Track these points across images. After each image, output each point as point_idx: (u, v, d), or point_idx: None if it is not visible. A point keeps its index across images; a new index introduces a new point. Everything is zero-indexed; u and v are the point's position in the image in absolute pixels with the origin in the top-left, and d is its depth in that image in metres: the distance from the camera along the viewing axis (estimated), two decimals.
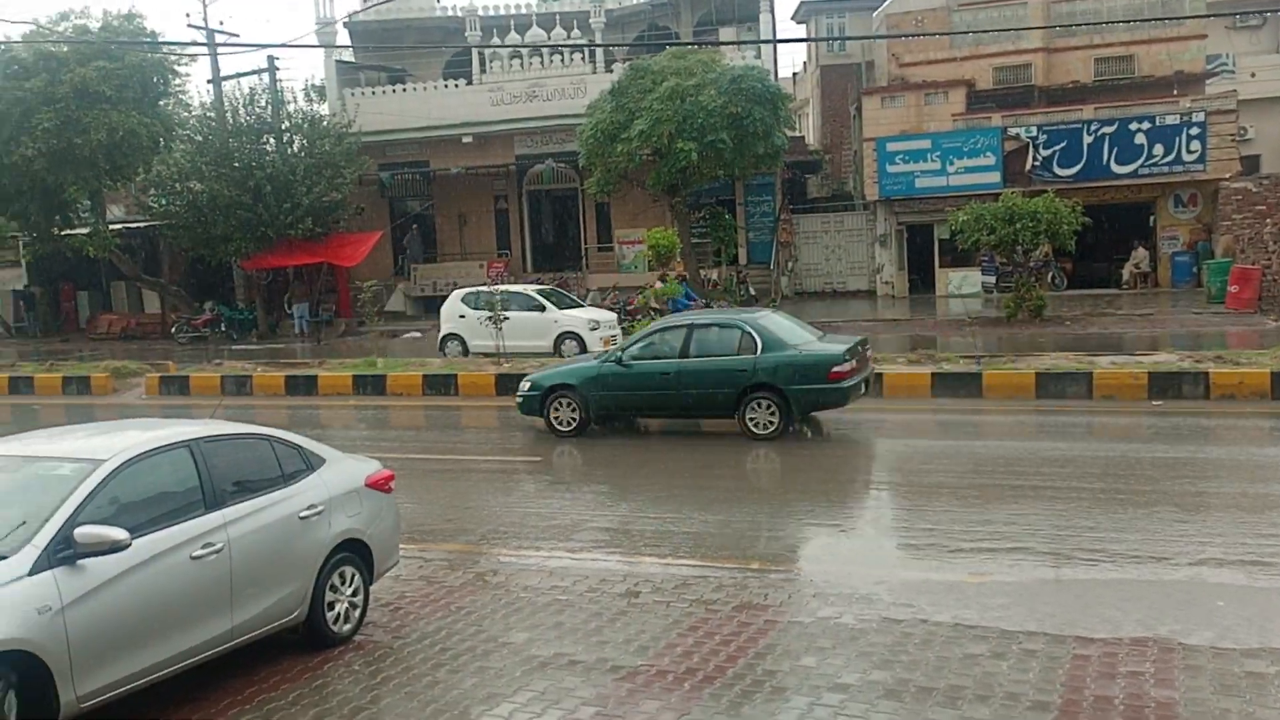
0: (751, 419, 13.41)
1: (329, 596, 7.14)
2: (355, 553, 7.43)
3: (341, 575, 7.28)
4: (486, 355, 20.78)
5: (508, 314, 20.38)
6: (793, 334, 13.92)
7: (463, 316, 22.24)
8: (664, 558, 8.86)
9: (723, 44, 29.31)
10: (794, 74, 49.02)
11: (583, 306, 23.15)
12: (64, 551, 5.49)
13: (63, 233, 30.98)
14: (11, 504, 5.96)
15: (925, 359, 17.63)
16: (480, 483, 12.46)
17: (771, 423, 13.33)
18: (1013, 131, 29.09)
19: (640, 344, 14.40)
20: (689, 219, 29.65)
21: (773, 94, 26.82)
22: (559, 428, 14.40)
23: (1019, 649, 6.47)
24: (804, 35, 41.28)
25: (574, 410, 14.32)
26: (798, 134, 36.98)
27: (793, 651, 6.63)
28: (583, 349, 20.38)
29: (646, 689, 6.17)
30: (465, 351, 21.89)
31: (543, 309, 21.70)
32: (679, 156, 25.40)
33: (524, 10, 34.64)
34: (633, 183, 28.06)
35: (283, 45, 30.83)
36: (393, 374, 19.50)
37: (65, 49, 27.58)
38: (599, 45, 31.56)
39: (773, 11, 32.02)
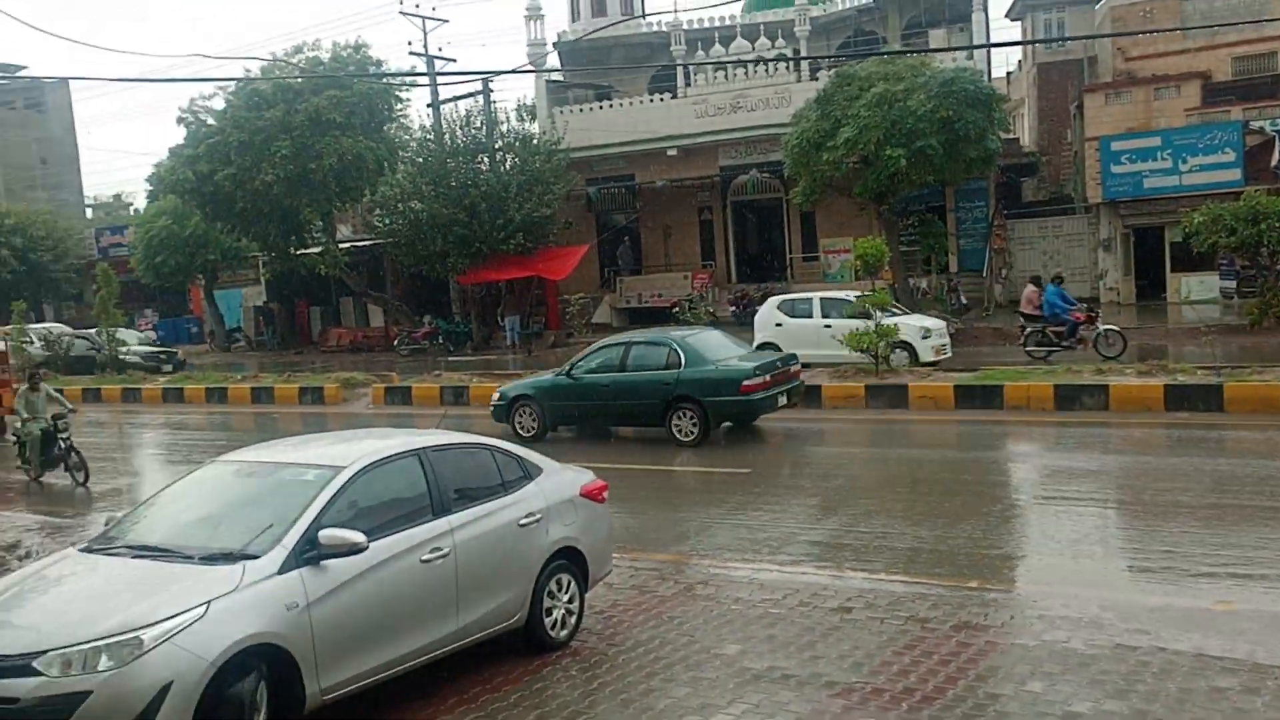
0: (676, 426, 14.84)
1: (547, 603, 7.32)
2: (571, 560, 7.58)
3: (558, 582, 7.45)
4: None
5: (829, 321, 19.83)
6: (717, 351, 15.27)
7: (779, 325, 20.68)
8: (876, 573, 8.66)
9: (930, 50, 28.43)
10: (1008, 73, 47.17)
11: (908, 313, 21.59)
12: (309, 552, 5.85)
13: (298, 252, 33.13)
14: (261, 507, 6.40)
15: (1157, 370, 16.56)
16: (688, 493, 12.53)
17: (693, 431, 14.68)
18: (1255, 125, 27.06)
19: (587, 359, 16.08)
20: (897, 226, 28.99)
21: (986, 96, 25.91)
22: (521, 433, 15.88)
23: (1276, 685, 5.97)
24: (1019, 33, 39.62)
25: (533, 418, 16.08)
26: (1012, 136, 35.56)
27: (1017, 675, 6.34)
28: (914, 359, 19.26)
29: (862, 707, 6.03)
30: None
31: (868, 315, 19.55)
32: (887, 163, 24.87)
33: (728, 22, 34.78)
34: (839, 191, 27.66)
35: (497, 73, 32.01)
36: None
37: (300, 80, 29.52)
38: (803, 58, 31.26)
39: (985, 10, 30.93)
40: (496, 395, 16.84)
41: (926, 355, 19.41)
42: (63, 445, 14.91)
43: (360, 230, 36.78)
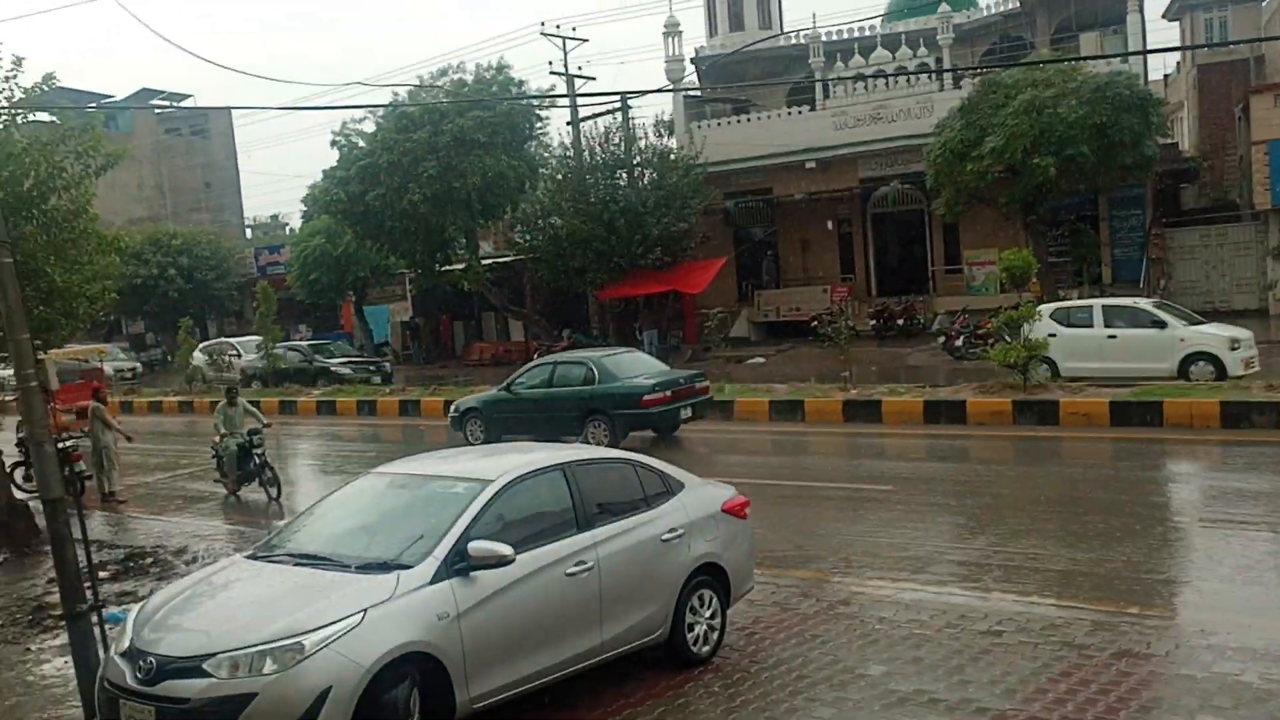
0: (591, 435, 16.79)
1: (689, 618, 7.33)
2: (713, 576, 7.57)
3: (700, 598, 7.45)
4: (1078, 381, 18.20)
5: (1113, 332, 18.69)
6: (629, 370, 17.51)
7: (1053, 335, 18.93)
8: (1027, 595, 8.37)
9: (1082, 59, 27.37)
10: (1165, 75, 45.17)
11: (1208, 322, 19.69)
12: (459, 564, 5.99)
13: (442, 269, 34.06)
14: (412, 518, 6.60)
15: None
16: (830, 509, 12.36)
17: (604, 439, 16.56)
18: None
19: (524, 375, 18.50)
20: (1046, 237, 28.05)
21: (1142, 100, 24.87)
22: (471, 440, 17.82)
23: None
24: (1178, 35, 37.91)
25: (480, 428, 18.09)
26: (1170, 140, 33.99)
27: (1184, 709, 6.03)
28: (1220, 375, 17.39)
29: None
30: (1055, 375, 18.61)
31: (1162, 325, 18.31)
32: (1035, 172, 24.10)
33: (868, 33, 34.30)
34: (983, 201, 26.95)
35: (636, 94, 32.31)
36: (740, 399, 19.81)
37: (446, 102, 30.36)
38: (948, 70, 30.52)
39: (1141, 11, 29.72)
40: (453, 408, 19.00)
41: (1235, 369, 17.39)
42: (257, 460, 15.10)
43: (502, 247, 37.57)
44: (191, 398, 29.84)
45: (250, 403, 17.10)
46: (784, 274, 35.61)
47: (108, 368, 35.37)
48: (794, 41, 35.76)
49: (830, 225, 33.88)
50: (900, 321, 30.70)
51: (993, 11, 35.89)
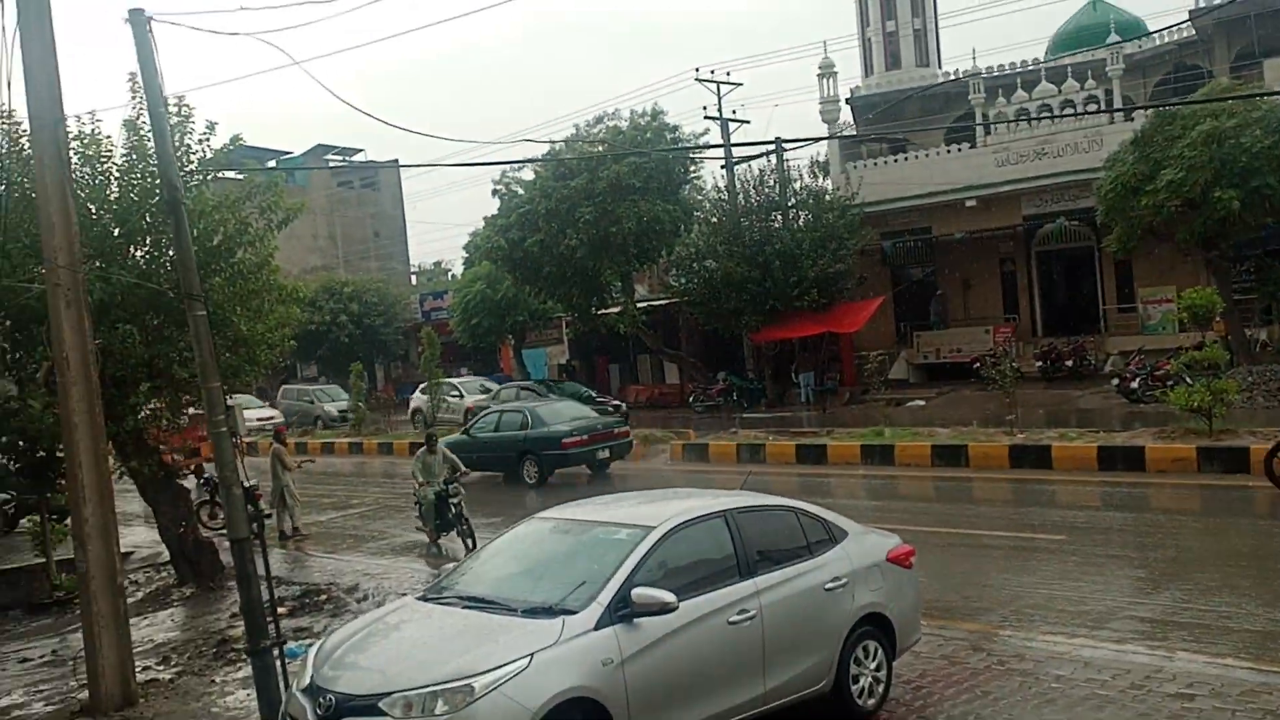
0: (526, 472, 20.36)
1: (853, 669, 7.17)
2: (878, 627, 7.40)
3: (865, 649, 7.27)
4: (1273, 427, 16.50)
5: None
6: (558, 417, 20.98)
7: None
8: (1221, 657, 7.85)
9: (1266, 95, 25.88)
10: None
11: None
12: (622, 610, 6.01)
13: (598, 312, 34.58)
14: (576, 563, 6.66)
15: None
16: (998, 559, 11.90)
17: (535, 475, 20.23)
18: None
19: (480, 421, 22.37)
20: (1230, 273, 26.55)
21: None
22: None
23: None
24: None
25: None
26: None
27: None
28: None
29: None
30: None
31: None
32: (1217, 206, 22.87)
33: (1031, 66, 33.37)
34: (1159, 237, 25.71)
35: (791, 142, 32.24)
36: (901, 443, 19.37)
37: (601, 149, 31.00)
38: (1118, 110, 29.34)
39: None
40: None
41: None
42: (453, 510, 14.67)
43: (657, 290, 37.91)
44: (361, 439, 31.01)
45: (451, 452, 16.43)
46: (932, 315, 34.77)
47: (331, 408, 37.03)
48: (953, 78, 35.10)
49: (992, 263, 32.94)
50: (1069, 363, 29.49)
51: (1166, 40, 34.48)
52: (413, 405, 34.33)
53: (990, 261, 33.72)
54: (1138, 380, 23.50)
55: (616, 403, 31.61)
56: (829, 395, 31.53)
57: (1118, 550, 11.76)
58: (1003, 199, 31.72)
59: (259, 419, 32.69)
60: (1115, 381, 24.78)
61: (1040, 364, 29.82)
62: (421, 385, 34.99)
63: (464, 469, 15.51)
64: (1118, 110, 29.36)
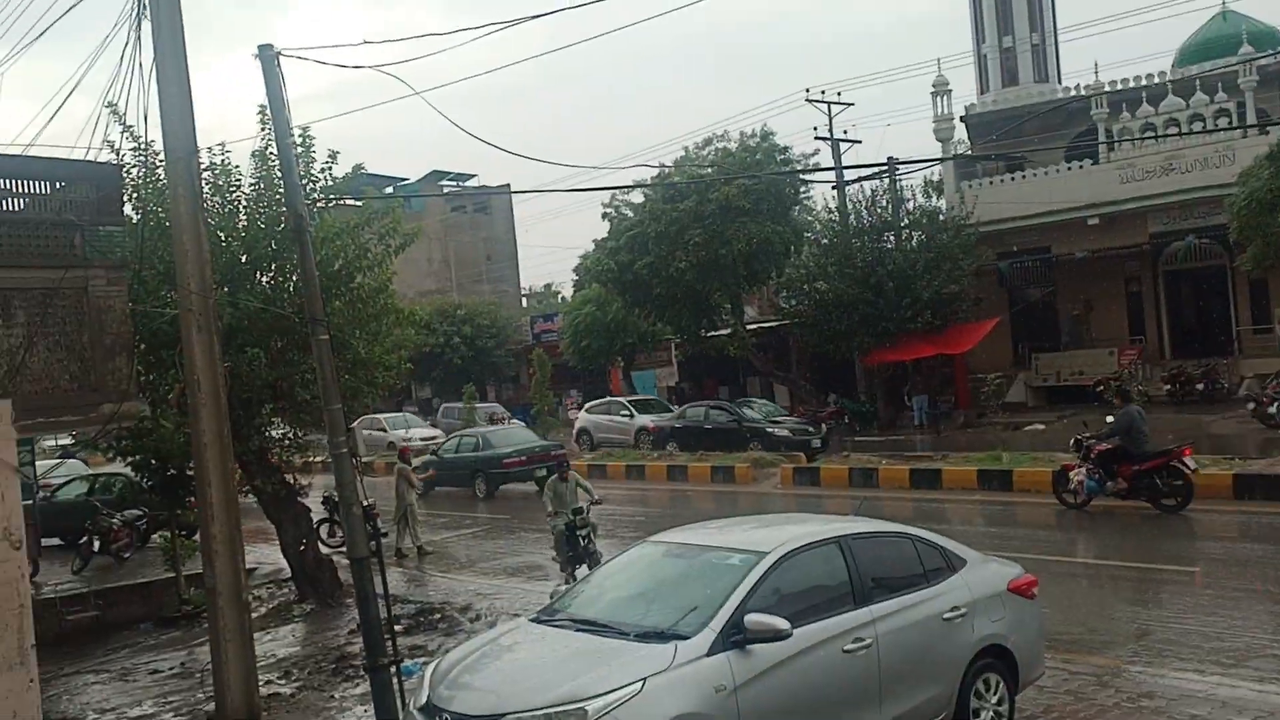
0: (477, 487, 24.12)
1: (973, 703, 6.97)
2: (999, 659, 7.18)
3: (985, 682, 7.07)
4: None
5: None
6: (505, 440, 25.17)
7: None
8: None
9: None
10: None
11: None
12: (735, 636, 5.93)
13: (708, 334, 34.54)
14: (688, 588, 6.61)
15: None
16: (1124, 590, 11.44)
17: (484, 489, 24.04)
18: None
19: (447, 444, 26.62)
20: None
21: None
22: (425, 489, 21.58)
23: None
24: None
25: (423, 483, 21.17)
26: None
27: None
28: None
29: None
30: None
31: None
32: None
33: (1156, 80, 32.24)
34: None
35: (904, 163, 31.67)
36: (1019, 469, 18.81)
37: (710, 171, 31.02)
38: (1252, 125, 28.04)
39: None
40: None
41: None
42: (582, 542, 13.51)
43: (767, 312, 37.70)
44: None
45: (584, 479, 15.37)
46: (1064, 336, 33.73)
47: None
48: (1074, 94, 34.15)
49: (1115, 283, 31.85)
50: (1199, 386, 28.30)
51: None
52: (579, 424, 33.30)
53: (1114, 281, 32.62)
54: (1276, 404, 22.42)
55: (818, 423, 28.89)
56: (943, 419, 30.85)
57: (1257, 584, 11.18)
58: (1127, 217, 30.69)
59: (422, 438, 33.10)
60: (1251, 405, 23.68)
61: (1169, 388, 28.69)
62: (590, 405, 34.35)
63: (596, 497, 14.60)
64: (1252, 126, 28.15)
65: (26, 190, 8.48)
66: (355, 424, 10.47)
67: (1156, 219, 30.65)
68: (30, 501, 16.47)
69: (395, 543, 17.32)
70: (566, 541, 13.61)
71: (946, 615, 6.93)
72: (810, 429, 27.28)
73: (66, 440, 24.37)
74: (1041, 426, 27.37)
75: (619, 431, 31.31)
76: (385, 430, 35.00)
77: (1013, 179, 33.27)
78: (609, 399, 35.28)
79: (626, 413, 31.97)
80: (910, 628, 6.73)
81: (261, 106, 12.44)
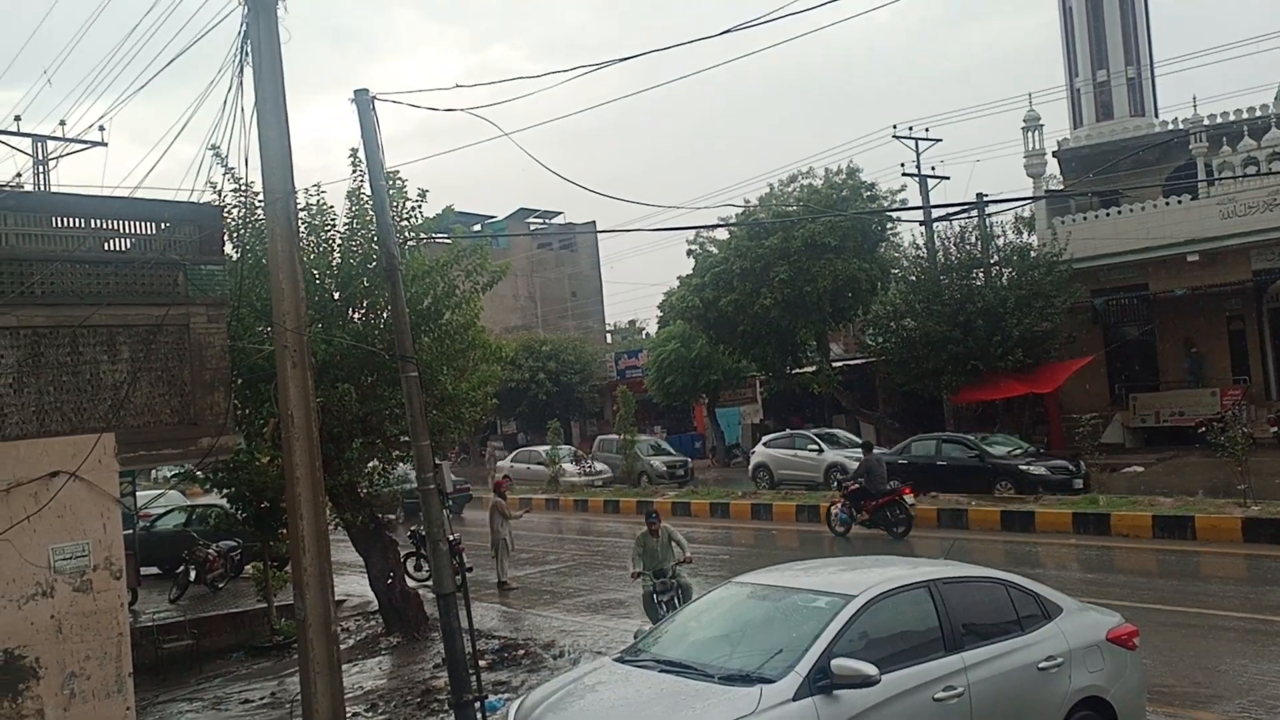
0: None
1: None
2: (1097, 712, 6.94)
3: None
4: None
5: None
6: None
7: None
8: None
9: None
10: None
11: None
12: (821, 681, 5.82)
13: (793, 371, 34.29)
14: (773, 630, 6.52)
15: None
16: (1232, 642, 10.96)
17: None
18: None
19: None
20: None
21: None
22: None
23: None
24: None
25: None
26: None
27: None
28: None
29: None
30: None
31: None
32: None
33: (1258, 114, 31.32)
34: None
35: (991, 202, 31.18)
36: (1117, 512, 18.23)
37: (796, 208, 30.92)
38: None
39: None
40: None
41: None
42: (663, 609, 12.10)
43: (852, 349, 37.32)
44: (558, 496, 31.61)
45: (679, 534, 13.52)
46: (1164, 376, 32.69)
47: (658, 462, 34.66)
48: (1171, 128, 33.33)
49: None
50: None
51: None
52: (756, 459, 30.26)
53: (1215, 319, 31.56)
54: None
55: (1063, 461, 24.21)
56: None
57: None
58: (1229, 253, 29.74)
59: (584, 472, 33.54)
60: None
61: (1275, 429, 27.55)
62: (769, 438, 31.70)
63: (688, 554, 12.94)
64: None
65: (134, 230, 8.79)
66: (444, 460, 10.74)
67: (1260, 255, 29.61)
68: (130, 531, 16.96)
69: (497, 574, 17.76)
70: (651, 605, 12.52)
71: (1042, 664, 6.72)
72: (1071, 468, 23.12)
73: (175, 471, 25.19)
74: (1140, 469, 26.52)
75: (805, 468, 28.13)
76: (545, 464, 34.83)
77: (1108, 214, 32.49)
78: (791, 432, 31.95)
79: (815, 447, 28.48)
80: (1003, 676, 6.54)
81: (353, 149, 12.80)
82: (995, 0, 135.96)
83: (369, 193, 11.66)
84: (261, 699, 12.16)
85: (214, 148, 9.52)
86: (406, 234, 13.49)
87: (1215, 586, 14.22)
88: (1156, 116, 36.40)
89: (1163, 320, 32.45)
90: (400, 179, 13.43)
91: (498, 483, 20.05)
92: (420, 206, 13.76)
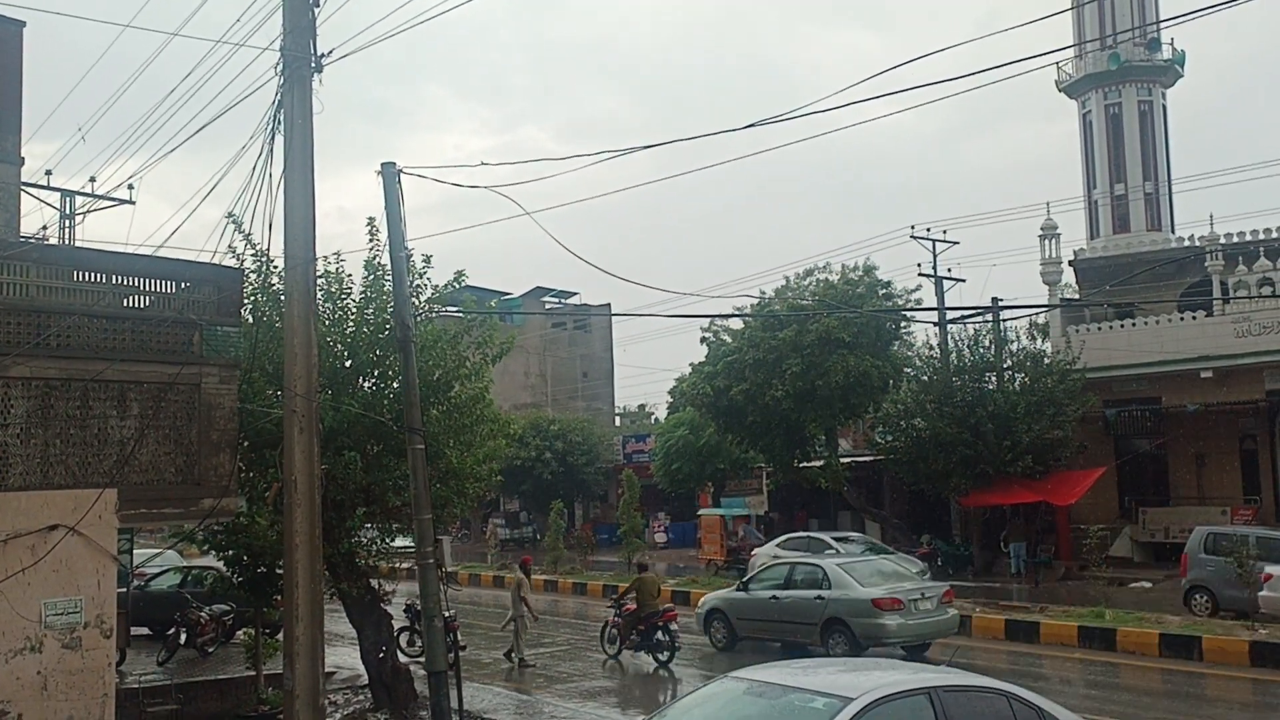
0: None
1: None
2: None
3: None
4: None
5: None
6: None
7: None
8: None
9: None
10: None
11: None
12: None
13: (800, 465, 34.09)
14: None
15: None
16: None
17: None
18: None
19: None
20: None
21: None
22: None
23: None
24: None
25: None
26: None
27: None
28: None
29: None
30: None
31: None
32: None
33: (1275, 235, 31.54)
34: None
35: (1007, 307, 31.19)
36: (1124, 628, 17.91)
37: (811, 302, 31.04)
38: None
39: None
40: None
41: None
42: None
43: (861, 445, 37.12)
44: (557, 577, 31.26)
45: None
46: (1173, 491, 32.38)
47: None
48: (1187, 244, 33.58)
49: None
50: None
51: None
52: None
53: (1228, 437, 31.37)
54: None
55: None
56: (1042, 568, 29.70)
57: None
58: (1243, 371, 29.69)
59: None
60: None
61: None
62: (783, 539, 28.75)
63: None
64: None
65: (154, 289, 8.87)
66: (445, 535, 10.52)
67: (1274, 375, 29.55)
68: (124, 589, 16.80)
69: (515, 652, 17.92)
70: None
71: None
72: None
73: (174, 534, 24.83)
74: (1148, 584, 26.15)
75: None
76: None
77: (1122, 325, 32.56)
78: (807, 534, 29.15)
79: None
80: None
81: (371, 217, 12.95)
82: (1016, 111, 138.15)
83: (386, 263, 11.76)
84: None
85: (231, 215, 9.67)
86: (422, 306, 13.55)
87: (1221, 710, 13.91)
88: (1173, 232, 36.74)
89: (1174, 435, 32.27)
90: (426, 256, 13.48)
91: (524, 559, 20.00)
92: (426, 272, 13.73)
